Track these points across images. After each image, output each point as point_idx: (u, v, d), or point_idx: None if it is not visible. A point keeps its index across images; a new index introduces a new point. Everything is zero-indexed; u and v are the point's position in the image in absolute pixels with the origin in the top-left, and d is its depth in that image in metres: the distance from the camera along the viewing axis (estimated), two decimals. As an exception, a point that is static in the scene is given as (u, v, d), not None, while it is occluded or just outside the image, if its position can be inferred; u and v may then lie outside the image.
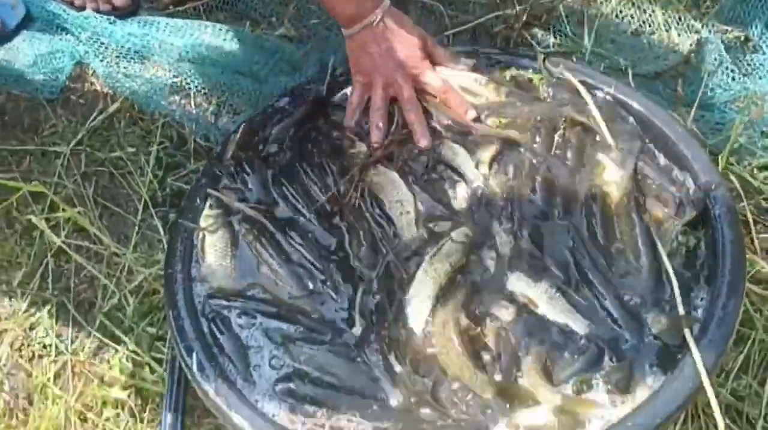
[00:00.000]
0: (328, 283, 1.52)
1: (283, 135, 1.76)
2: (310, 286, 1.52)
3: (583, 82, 1.79)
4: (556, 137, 1.73)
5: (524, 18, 2.38)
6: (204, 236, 1.57)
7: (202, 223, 1.58)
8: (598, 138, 1.72)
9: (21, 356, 1.88)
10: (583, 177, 1.66)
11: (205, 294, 1.52)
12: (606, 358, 1.41)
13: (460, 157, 1.71)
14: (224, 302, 1.51)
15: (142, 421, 1.75)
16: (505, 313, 1.48)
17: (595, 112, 1.73)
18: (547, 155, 1.70)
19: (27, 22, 2.39)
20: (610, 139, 1.69)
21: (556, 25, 2.43)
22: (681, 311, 1.43)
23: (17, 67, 2.29)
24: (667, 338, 1.42)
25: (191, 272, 1.55)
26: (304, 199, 1.64)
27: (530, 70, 1.89)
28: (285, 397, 1.41)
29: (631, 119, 1.73)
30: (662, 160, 1.68)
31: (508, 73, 1.86)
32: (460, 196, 1.67)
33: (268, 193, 1.66)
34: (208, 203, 1.61)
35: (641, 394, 1.37)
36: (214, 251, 1.55)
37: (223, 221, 1.59)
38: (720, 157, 2.05)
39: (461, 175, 1.69)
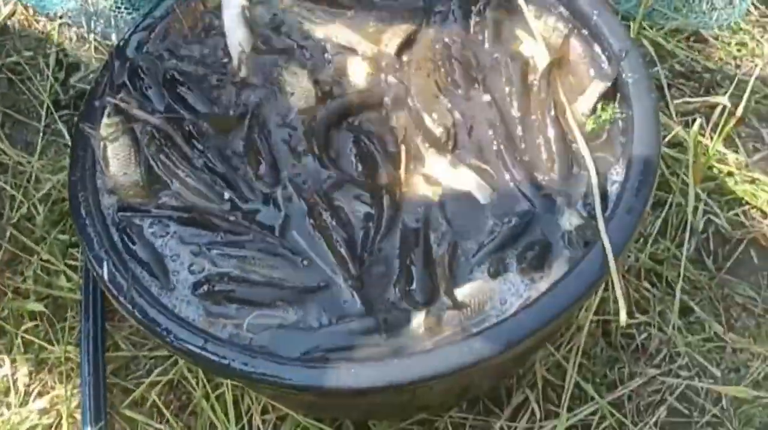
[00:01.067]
0: (240, 184, 1.48)
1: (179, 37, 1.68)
2: (219, 190, 1.48)
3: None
4: (473, 16, 1.67)
5: None
6: (105, 146, 1.51)
7: (103, 132, 1.51)
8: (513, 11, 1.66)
9: (-71, 270, 1.84)
10: (501, 51, 1.61)
11: (113, 205, 1.47)
12: (520, 237, 1.40)
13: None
14: (134, 212, 1.46)
15: (62, 330, 1.73)
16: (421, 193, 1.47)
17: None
18: (463, 34, 1.64)
19: None
20: (525, 8, 1.63)
21: None
22: (599, 211, 1.40)
23: None
24: (577, 237, 1.40)
25: (96, 182, 1.49)
26: (204, 104, 1.57)
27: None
28: (205, 300, 1.38)
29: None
30: (573, 28, 1.63)
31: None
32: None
33: (166, 100, 1.59)
34: (106, 111, 1.54)
35: (557, 271, 1.36)
36: (116, 160, 1.49)
37: (123, 129, 1.51)
38: (632, 23, 2.04)
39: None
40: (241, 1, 1.67)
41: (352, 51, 1.63)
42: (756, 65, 2.08)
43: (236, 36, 1.64)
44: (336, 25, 1.66)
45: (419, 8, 1.68)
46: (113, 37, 2.05)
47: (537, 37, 1.61)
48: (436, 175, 1.48)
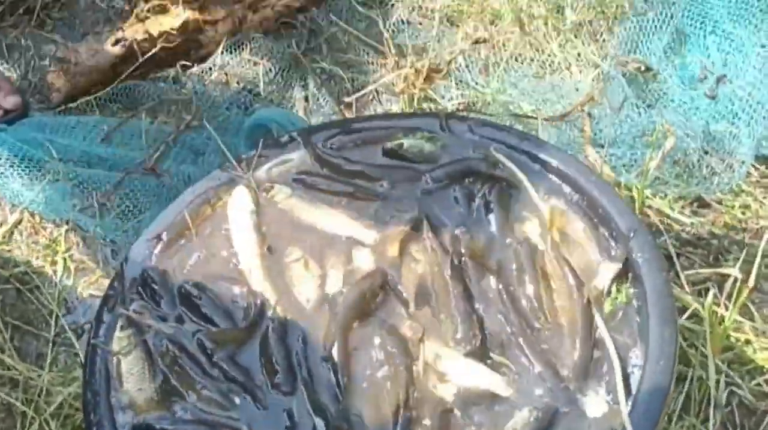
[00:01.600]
0: (257, 393, 1.46)
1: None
2: (237, 400, 1.45)
3: (487, 138, 1.75)
4: (476, 200, 1.68)
5: (425, 73, 2.37)
6: (119, 361, 1.49)
7: (115, 346, 1.50)
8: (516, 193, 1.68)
9: (-63, 502, 1.79)
10: (509, 235, 1.61)
11: (128, 423, 1.45)
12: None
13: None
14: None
15: None
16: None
17: (514, 167, 1.68)
18: (468, 221, 1.64)
19: None
20: (533, 193, 1.64)
21: (457, 76, 2.42)
22: (622, 401, 1.38)
23: None
24: (603, 426, 1.38)
25: (111, 400, 1.47)
26: (216, 313, 1.57)
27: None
28: None
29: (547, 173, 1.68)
30: (580, 210, 1.64)
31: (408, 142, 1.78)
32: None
33: (177, 310, 1.58)
34: (118, 324, 1.53)
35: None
36: (131, 376, 1.48)
37: (136, 341, 1.51)
38: (636, 194, 2.05)
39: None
40: (248, 205, 1.68)
41: (357, 242, 1.64)
42: (762, 227, 2.08)
43: (244, 241, 1.64)
44: (338, 216, 1.68)
45: (420, 196, 1.69)
46: (119, 240, 2.06)
47: (544, 219, 1.61)
48: (453, 374, 1.45)
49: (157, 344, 1.52)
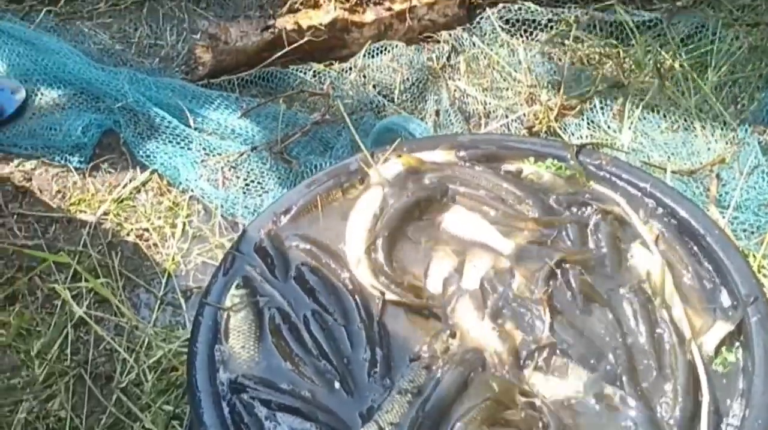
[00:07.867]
0: (349, 384, 1.48)
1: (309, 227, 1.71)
2: (336, 385, 1.47)
3: (618, 177, 1.75)
4: (589, 230, 1.67)
5: (557, 110, 2.39)
6: (228, 317, 1.53)
7: (228, 302, 1.54)
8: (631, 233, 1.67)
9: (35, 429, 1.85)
10: (623, 276, 1.60)
11: (228, 379, 1.48)
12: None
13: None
14: (247, 389, 1.47)
15: None
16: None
17: (627, 208, 1.68)
18: (581, 253, 1.64)
19: (26, 105, 2.44)
20: (648, 237, 1.63)
21: (589, 116, 2.43)
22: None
23: (46, 135, 2.30)
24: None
25: (214, 355, 1.51)
26: (327, 295, 1.59)
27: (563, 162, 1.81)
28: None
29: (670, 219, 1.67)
30: (699, 264, 1.63)
31: (532, 168, 1.78)
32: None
33: (290, 281, 1.61)
34: (235, 282, 1.57)
35: None
36: (238, 333, 1.51)
37: (248, 302, 1.55)
38: (753, 259, 2.03)
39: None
40: (376, 205, 1.69)
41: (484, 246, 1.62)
42: None
43: (356, 235, 1.66)
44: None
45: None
46: (239, 215, 2.11)
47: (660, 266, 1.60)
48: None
49: (267, 309, 1.55)
